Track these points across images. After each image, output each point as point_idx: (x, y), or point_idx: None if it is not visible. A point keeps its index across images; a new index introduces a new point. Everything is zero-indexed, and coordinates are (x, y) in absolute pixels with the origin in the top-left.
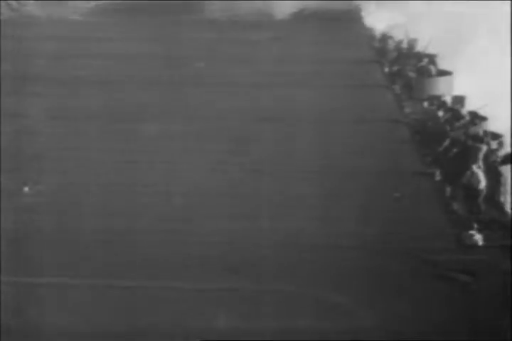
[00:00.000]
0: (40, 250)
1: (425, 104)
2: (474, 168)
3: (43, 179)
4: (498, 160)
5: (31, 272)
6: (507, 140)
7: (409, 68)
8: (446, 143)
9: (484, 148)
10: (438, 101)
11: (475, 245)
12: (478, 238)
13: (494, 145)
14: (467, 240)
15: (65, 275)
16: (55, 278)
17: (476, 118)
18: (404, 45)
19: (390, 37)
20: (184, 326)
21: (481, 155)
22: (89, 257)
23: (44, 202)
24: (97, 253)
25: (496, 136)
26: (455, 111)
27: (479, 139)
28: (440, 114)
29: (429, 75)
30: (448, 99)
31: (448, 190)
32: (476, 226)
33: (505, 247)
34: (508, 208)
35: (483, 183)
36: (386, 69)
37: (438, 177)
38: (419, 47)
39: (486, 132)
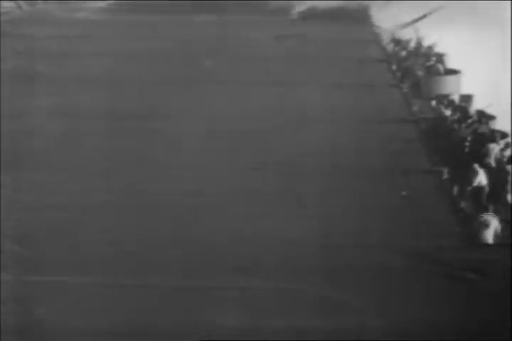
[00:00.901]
0: (43, 249)
1: (433, 102)
2: (477, 167)
3: (48, 178)
4: (505, 159)
5: (34, 270)
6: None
7: (418, 67)
8: (454, 141)
9: (496, 148)
10: (446, 100)
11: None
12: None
13: (502, 144)
14: (479, 237)
15: (69, 273)
16: (58, 277)
17: (484, 117)
18: (413, 44)
19: (399, 36)
20: (192, 324)
21: (492, 155)
22: (98, 256)
23: (47, 200)
24: (104, 252)
25: (503, 135)
26: (463, 109)
27: (488, 138)
28: (448, 112)
29: (438, 74)
30: (456, 98)
31: (455, 188)
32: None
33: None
34: None
35: (484, 182)
36: (394, 68)
37: (445, 175)
38: (428, 46)
39: (493, 131)
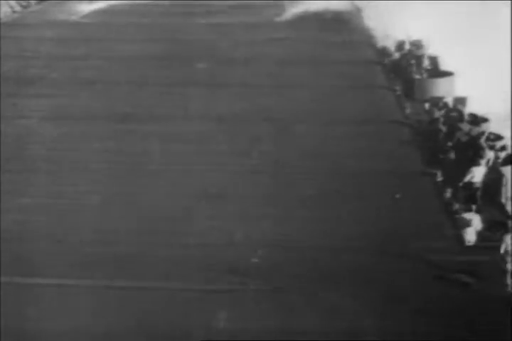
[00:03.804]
0: (40, 251)
1: (427, 105)
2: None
3: (44, 180)
4: (500, 161)
5: (30, 272)
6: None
7: (411, 69)
8: (448, 144)
9: (491, 154)
10: (440, 103)
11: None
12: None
13: (497, 146)
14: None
15: (64, 276)
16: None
17: (477, 119)
18: (406, 45)
19: (392, 37)
20: (186, 326)
21: (486, 157)
22: (90, 258)
23: (44, 203)
24: (98, 254)
25: (497, 138)
26: (457, 112)
27: (481, 140)
28: (441, 114)
29: (431, 76)
30: (449, 100)
31: (449, 190)
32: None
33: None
34: (508, 209)
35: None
36: (387, 70)
37: (439, 178)
38: (421, 48)
39: (487, 133)
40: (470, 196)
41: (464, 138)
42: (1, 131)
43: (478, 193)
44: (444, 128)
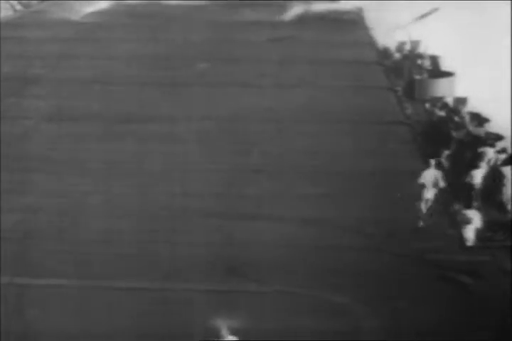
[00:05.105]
0: (40, 250)
1: (427, 105)
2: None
3: (45, 180)
4: (500, 161)
5: (31, 273)
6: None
7: (412, 69)
8: (449, 144)
9: (491, 151)
10: (440, 103)
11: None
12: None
13: (498, 146)
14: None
15: (64, 276)
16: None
17: (478, 119)
18: (407, 46)
19: (393, 38)
20: (186, 326)
21: (485, 159)
22: (90, 258)
23: (45, 202)
24: (98, 253)
25: (498, 138)
26: (458, 112)
27: (482, 140)
28: (442, 115)
29: (432, 76)
30: (450, 100)
31: (449, 190)
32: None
33: (506, 248)
34: (509, 208)
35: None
36: (388, 71)
37: (439, 177)
38: (422, 49)
39: (488, 133)
40: (470, 196)
41: (465, 138)
42: (2, 131)
43: (479, 193)
44: (444, 128)
